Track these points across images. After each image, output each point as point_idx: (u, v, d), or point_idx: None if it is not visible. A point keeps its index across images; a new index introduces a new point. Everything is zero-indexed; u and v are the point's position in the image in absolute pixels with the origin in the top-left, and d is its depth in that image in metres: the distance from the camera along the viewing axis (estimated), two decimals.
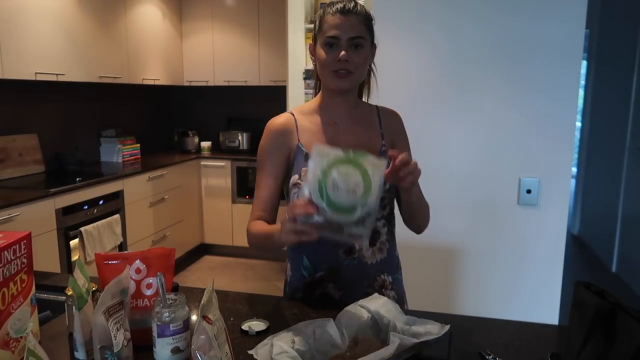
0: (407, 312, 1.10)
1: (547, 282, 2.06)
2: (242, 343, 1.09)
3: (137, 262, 1.08)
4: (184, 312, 1.00)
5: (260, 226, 1.26)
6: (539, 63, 1.96)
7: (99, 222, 3.16)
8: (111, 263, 1.06)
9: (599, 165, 4.81)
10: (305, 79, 3.29)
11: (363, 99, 1.41)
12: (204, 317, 0.86)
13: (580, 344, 0.80)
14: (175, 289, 1.13)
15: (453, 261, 2.15)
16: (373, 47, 1.29)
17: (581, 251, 4.85)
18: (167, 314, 0.98)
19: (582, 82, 5.25)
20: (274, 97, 4.60)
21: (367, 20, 1.25)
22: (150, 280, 1.08)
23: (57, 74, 3.16)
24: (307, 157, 1.28)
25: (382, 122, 1.36)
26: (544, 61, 1.95)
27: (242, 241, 4.37)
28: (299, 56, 3.14)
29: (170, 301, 1.02)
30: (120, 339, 0.94)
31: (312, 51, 1.29)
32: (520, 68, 1.97)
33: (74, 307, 0.98)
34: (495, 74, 2.00)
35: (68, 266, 2.95)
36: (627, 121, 4.07)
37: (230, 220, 4.55)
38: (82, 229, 3.00)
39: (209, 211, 4.62)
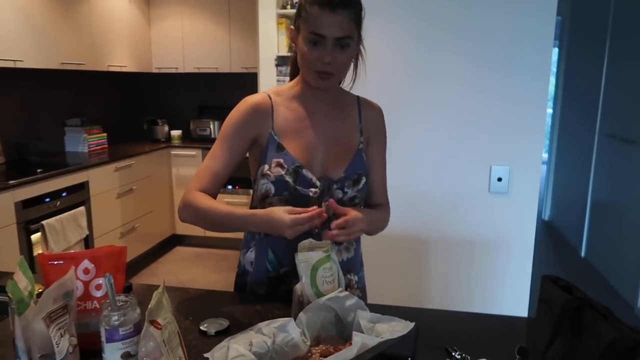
0: (372, 307, 1.06)
1: (517, 270, 2.05)
2: (200, 344, 1.04)
3: (85, 261, 1.01)
4: (134, 315, 0.94)
5: (216, 203, 1.19)
6: (510, 50, 1.93)
7: (62, 215, 3.04)
8: (56, 264, 0.99)
9: (569, 151, 4.87)
10: (277, 65, 3.21)
11: (348, 86, 1.34)
12: (152, 321, 0.80)
13: (547, 340, 0.78)
14: (128, 289, 1.06)
15: (421, 251, 2.13)
16: (360, 39, 1.21)
17: (551, 236, 4.93)
18: (117, 317, 0.92)
19: (554, 69, 5.29)
20: (245, 85, 4.48)
21: (357, 14, 1.16)
22: (100, 280, 1.01)
23: (14, 60, 3.01)
24: (279, 147, 1.22)
25: (362, 116, 1.31)
26: (515, 49, 1.92)
27: (214, 232, 4.29)
28: (270, 42, 3.06)
29: (121, 303, 0.96)
30: (64, 345, 0.88)
31: (293, 38, 1.21)
32: (491, 55, 1.94)
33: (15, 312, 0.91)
34: (466, 61, 1.97)
35: (30, 261, 2.83)
36: (597, 108, 4.11)
37: None
38: (44, 222, 2.89)
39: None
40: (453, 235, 2.08)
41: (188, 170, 4.44)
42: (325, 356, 0.93)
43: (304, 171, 1.22)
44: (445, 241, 2.09)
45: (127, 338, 0.92)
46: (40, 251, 2.88)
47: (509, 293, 2.07)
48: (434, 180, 2.06)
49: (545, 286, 0.85)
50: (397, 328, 0.93)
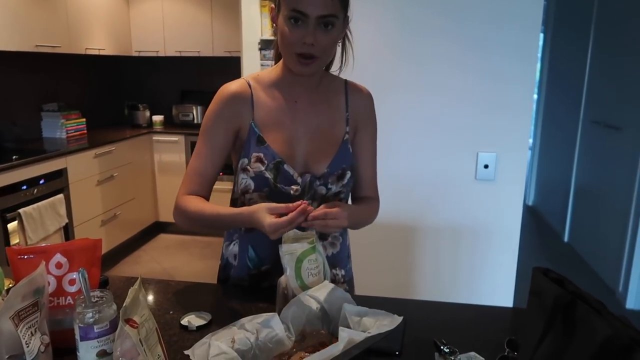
0: (358, 299, 1.03)
1: (503, 257, 2.05)
2: (181, 340, 1.00)
3: (58, 255, 0.96)
4: (110, 312, 0.89)
5: (205, 205, 1.14)
6: (497, 36, 1.90)
7: (40, 203, 2.96)
8: (26, 258, 0.94)
9: (553, 136, 4.90)
10: (261, 49, 3.13)
11: (335, 72, 1.25)
12: (127, 320, 0.76)
13: (539, 335, 0.75)
14: (104, 283, 1.02)
15: (408, 239, 2.11)
16: (346, 21, 1.12)
17: (535, 222, 4.97)
18: (91, 314, 0.87)
19: (538, 55, 5.28)
20: (228, 69, 4.41)
21: None
22: (73, 275, 0.97)
23: None
24: (259, 140, 1.16)
25: (349, 104, 1.22)
26: (502, 35, 1.89)
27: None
28: (253, 25, 2.97)
29: (96, 299, 0.91)
30: (35, 345, 0.83)
31: (274, 17, 1.12)
32: (478, 41, 1.91)
33: None
34: (452, 47, 1.93)
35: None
36: (582, 94, 4.12)
37: None
38: (20, 210, 2.80)
39: (163, 188, 4.44)
40: (439, 223, 2.07)
41: (170, 156, 4.36)
42: (310, 352, 0.90)
43: (285, 167, 1.16)
44: (432, 229, 2.08)
45: (102, 336, 0.88)
46: (17, 241, 2.81)
47: (495, 279, 2.07)
48: (420, 167, 2.04)
49: (536, 278, 0.82)
50: (385, 322, 0.90)
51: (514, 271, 2.05)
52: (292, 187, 1.17)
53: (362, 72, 2.02)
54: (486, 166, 1.99)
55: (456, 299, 2.13)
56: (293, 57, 1.09)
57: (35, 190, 2.96)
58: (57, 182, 3.16)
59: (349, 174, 1.21)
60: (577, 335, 0.70)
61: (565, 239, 4.37)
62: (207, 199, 1.20)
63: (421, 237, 2.10)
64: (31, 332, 0.83)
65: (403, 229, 2.10)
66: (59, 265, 0.95)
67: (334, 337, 0.95)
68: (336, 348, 0.82)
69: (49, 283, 0.94)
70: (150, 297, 1.18)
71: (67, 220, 3.21)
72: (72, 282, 0.96)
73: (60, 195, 3.16)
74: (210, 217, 1.13)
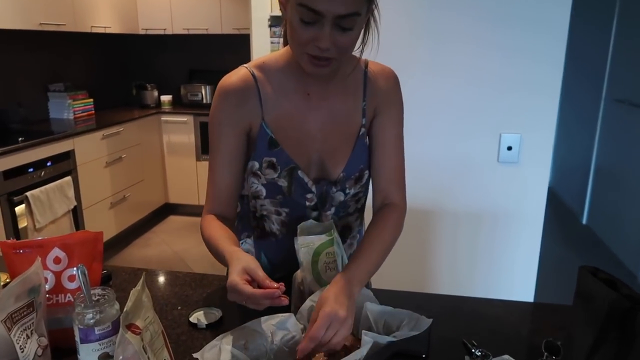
0: (377, 293, 0.95)
1: (525, 242, 1.96)
2: (190, 340, 0.93)
3: (55, 250, 0.88)
4: (113, 312, 0.82)
5: (215, 233, 0.98)
6: (522, 10, 1.77)
7: (47, 186, 2.91)
8: (22, 252, 0.87)
9: (573, 115, 4.74)
10: (270, 26, 3.01)
11: (356, 51, 1.04)
12: (129, 326, 0.69)
13: (590, 344, 0.67)
14: (107, 279, 0.95)
15: (425, 225, 2.02)
16: (370, 10, 0.92)
17: (552, 203, 4.85)
18: (91, 314, 0.80)
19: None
20: (237, 47, 4.30)
21: None
22: (73, 271, 0.89)
23: None
24: (272, 143, 1.02)
25: (367, 91, 1.06)
26: (528, 8, 1.76)
27: None
28: (263, 1, 2.85)
29: (97, 297, 0.84)
30: (30, 349, 0.77)
31: (283, 2, 0.91)
32: (501, 16, 1.78)
33: None
34: (473, 22, 1.80)
35: (15, 234, 2.71)
36: (605, 71, 3.95)
37: (195, 178, 4.33)
38: (28, 193, 2.75)
39: (172, 170, 4.38)
40: (459, 208, 1.97)
41: (180, 137, 4.28)
42: (330, 354, 0.83)
43: (299, 173, 1.03)
44: (451, 214, 1.99)
45: (104, 338, 0.81)
46: (25, 224, 2.76)
47: (516, 268, 1.98)
48: (439, 150, 1.94)
49: (584, 279, 0.73)
50: (411, 324, 0.82)
51: (537, 259, 1.96)
52: (307, 196, 1.06)
53: (380, 52, 1.91)
54: (509, 148, 1.89)
55: (474, 286, 2.07)
56: (304, 57, 0.91)
57: (43, 173, 2.91)
58: (64, 164, 3.10)
59: (367, 174, 1.08)
60: (638, 345, 0.62)
61: (584, 220, 4.26)
62: (232, 213, 1.09)
63: (439, 222, 2.01)
64: (27, 335, 0.76)
65: (420, 215, 2.01)
66: (57, 260, 0.88)
67: (354, 338, 0.87)
68: (359, 353, 0.74)
69: (46, 280, 0.87)
70: (157, 291, 1.11)
71: (75, 203, 3.16)
72: (71, 278, 0.89)
73: (68, 178, 3.10)
74: (211, 247, 0.98)
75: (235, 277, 0.80)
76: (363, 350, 0.74)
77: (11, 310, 0.74)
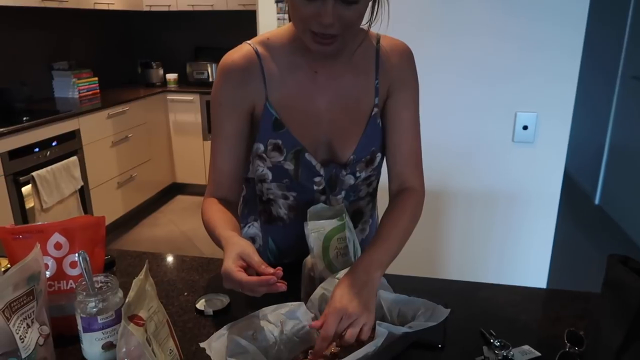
0: (390, 279, 0.91)
1: (540, 225, 1.90)
2: (196, 327, 0.90)
3: (56, 235, 0.85)
4: (116, 300, 0.79)
5: (213, 216, 0.95)
6: None
7: (53, 166, 2.88)
8: (22, 238, 0.84)
9: (587, 93, 4.62)
10: (277, 2, 2.93)
11: (364, 25, 0.95)
12: (131, 317, 0.65)
13: (621, 340, 0.63)
14: (110, 265, 0.91)
15: (436, 206, 1.97)
16: None
17: (564, 183, 4.77)
18: (94, 303, 0.78)
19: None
20: (244, 24, 4.20)
21: None
22: (75, 257, 0.86)
23: None
24: (277, 124, 0.97)
25: (380, 67, 0.99)
26: None
27: None
28: None
29: (100, 284, 0.81)
30: (31, 338, 0.74)
31: None
32: None
33: None
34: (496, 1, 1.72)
35: (22, 215, 2.70)
36: (622, 46, 3.83)
37: (202, 158, 4.29)
38: (34, 173, 2.73)
39: (179, 149, 4.34)
40: (471, 189, 1.92)
41: (186, 116, 4.23)
42: (342, 345, 0.79)
43: (307, 156, 0.99)
44: (463, 195, 1.93)
45: (108, 327, 0.79)
46: (32, 205, 2.75)
47: (530, 249, 1.93)
48: (452, 128, 1.87)
49: (614, 268, 0.69)
50: (428, 314, 0.78)
51: (551, 242, 1.91)
52: (315, 179, 1.01)
53: (392, 23, 1.84)
54: (525, 127, 1.82)
55: (485, 270, 2.03)
56: (307, 34, 0.86)
57: (48, 153, 2.88)
58: (70, 144, 3.07)
59: (379, 156, 1.03)
60: None
61: (597, 201, 4.19)
62: (236, 196, 1.05)
63: (451, 204, 1.96)
64: (27, 324, 0.73)
65: (431, 196, 1.94)
66: (58, 246, 0.85)
67: None
68: (374, 344, 0.70)
69: (47, 266, 0.84)
70: (163, 276, 1.08)
71: (82, 183, 3.14)
72: (73, 264, 0.86)
73: (74, 158, 3.07)
74: (210, 231, 0.95)
75: (230, 264, 0.77)
76: (377, 342, 0.70)
77: (10, 299, 0.71)
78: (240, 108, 0.98)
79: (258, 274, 0.76)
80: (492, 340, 0.83)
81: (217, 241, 0.90)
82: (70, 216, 3.05)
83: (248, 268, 0.77)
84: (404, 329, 0.73)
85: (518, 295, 1.01)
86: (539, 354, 0.81)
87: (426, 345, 0.83)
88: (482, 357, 0.81)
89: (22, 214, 2.70)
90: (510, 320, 0.92)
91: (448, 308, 0.79)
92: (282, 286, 0.75)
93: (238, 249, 0.79)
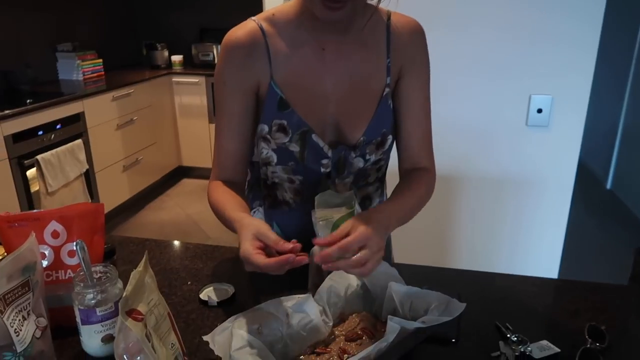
0: (400, 269, 0.87)
1: (553, 212, 1.85)
2: (200, 318, 0.87)
3: (53, 223, 0.82)
4: (115, 291, 0.76)
5: (222, 198, 0.92)
6: None
7: (58, 149, 2.85)
8: (17, 226, 0.80)
9: (602, 76, 4.51)
10: None
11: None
12: (129, 312, 0.62)
13: None
14: (110, 254, 0.88)
15: (446, 191, 1.92)
16: None
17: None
18: (92, 295, 0.74)
19: None
20: (250, 4, 4.11)
21: None
22: (73, 246, 0.83)
23: None
24: (282, 104, 0.92)
25: (392, 45, 0.95)
26: None
27: None
28: None
29: (99, 274, 0.78)
30: (27, 331, 0.71)
31: None
32: None
33: None
34: None
35: (27, 198, 2.69)
36: (637, 30, 3.71)
37: (208, 141, 4.25)
38: (38, 157, 2.70)
39: (185, 132, 4.30)
40: (483, 174, 1.87)
41: (191, 98, 4.18)
42: (351, 339, 0.76)
43: (313, 137, 0.95)
44: (473, 180, 1.88)
45: (107, 319, 0.76)
46: (37, 188, 2.73)
47: (542, 236, 1.89)
48: (463, 111, 1.81)
49: None
50: (442, 307, 0.74)
51: (564, 229, 1.86)
52: (322, 161, 0.97)
53: (409, 5, 1.76)
54: (539, 110, 1.76)
55: (495, 257, 1.98)
56: (316, 1, 0.82)
57: (53, 136, 2.85)
58: (74, 127, 3.04)
59: (390, 139, 0.99)
60: None
61: (608, 185, 4.12)
62: (242, 178, 1.02)
63: (460, 189, 1.92)
64: (23, 317, 0.70)
65: (441, 181, 1.87)
66: (55, 235, 0.82)
67: (378, 321, 0.80)
68: (385, 341, 0.67)
69: (44, 255, 0.81)
70: (166, 264, 1.05)
71: (87, 166, 3.12)
72: (71, 253, 0.82)
73: (79, 141, 3.04)
74: (218, 214, 0.93)
75: (248, 247, 0.74)
76: (389, 338, 0.67)
77: (3, 291, 0.67)
78: (245, 87, 0.94)
79: (277, 251, 0.74)
80: (508, 335, 0.79)
81: (229, 224, 0.87)
82: (76, 200, 3.04)
83: (266, 247, 0.75)
84: (417, 324, 0.69)
85: (535, 286, 0.97)
86: (558, 350, 0.77)
87: (439, 339, 0.79)
88: (499, 353, 0.77)
89: (28, 198, 2.69)
90: (527, 313, 0.88)
91: (462, 300, 0.75)
92: (304, 258, 0.72)
93: (252, 229, 0.77)
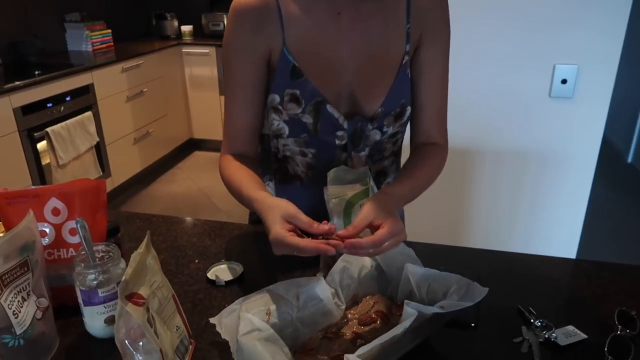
0: (412, 247, 0.83)
1: (573, 189, 1.79)
2: (207, 298, 0.84)
3: (53, 200, 0.78)
4: (118, 271, 0.73)
5: (236, 174, 0.88)
6: None
7: (68, 121, 2.82)
8: (16, 203, 0.77)
9: (627, 45, 4.33)
10: None
11: None
12: (129, 296, 0.58)
13: None
14: (114, 232, 0.85)
15: (463, 165, 1.85)
16: None
17: None
18: (94, 275, 0.71)
19: None
20: None
21: None
22: (74, 223, 0.79)
23: None
24: (295, 72, 0.87)
25: (412, 11, 0.89)
26: None
27: None
28: None
29: (102, 253, 0.75)
30: (27, 312, 0.68)
31: None
32: None
33: None
34: None
35: (39, 171, 2.68)
36: None
37: (219, 113, 4.20)
38: (48, 129, 2.68)
39: (196, 104, 4.25)
40: (503, 147, 1.80)
41: (202, 70, 4.11)
42: (365, 323, 0.72)
43: (328, 107, 0.90)
44: (493, 154, 1.81)
45: (110, 300, 0.73)
46: (48, 161, 2.72)
47: (563, 213, 1.82)
48: (482, 81, 1.73)
49: None
50: (462, 291, 0.70)
51: (584, 208, 1.79)
52: (337, 133, 0.92)
53: None
54: (564, 81, 1.67)
55: (514, 235, 1.92)
56: None
57: (62, 108, 2.81)
58: (84, 99, 3.00)
59: (409, 110, 0.94)
60: None
61: (629, 159, 4.00)
62: (254, 151, 0.97)
63: (478, 163, 1.85)
64: (22, 298, 0.67)
65: (458, 154, 1.84)
66: (55, 212, 0.78)
67: (393, 304, 0.76)
68: (402, 327, 0.63)
69: (45, 233, 0.78)
70: (173, 241, 1.02)
71: (98, 139, 3.09)
72: (73, 231, 0.79)
73: (89, 113, 3.01)
74: (234, 191, 0.88)
75: (279, 230, 0.69)
76: (406, 324, 0.62)
77: (0, 272, 0.64)
78: (256, 54, 0.88)
79: (311, 232, 0.70)
80: (532, 320, 0.75)
81: (246, 201, 0.83)
82: (88, 173, 3.03)
83: (295, 229, 0.71)
84: (435, 309, 0.65)
85: (559, 267, 0.92)
86: (585, 336, 0.72)
87: (458, 324, 0.75)
88: (521, 339, 0.73)
89: (39, 171, 2.68)
90: (552, 296, 0.83)
91: (482, 283, 0.70)
92: (340, 244, 0.68)
93: (280, 210, 0.72)
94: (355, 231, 0.70)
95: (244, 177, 0.87)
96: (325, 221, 0.72)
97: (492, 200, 1.88)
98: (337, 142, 0.94)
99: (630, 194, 3.51)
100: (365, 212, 0.72)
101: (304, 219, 0.71)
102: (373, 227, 0.72)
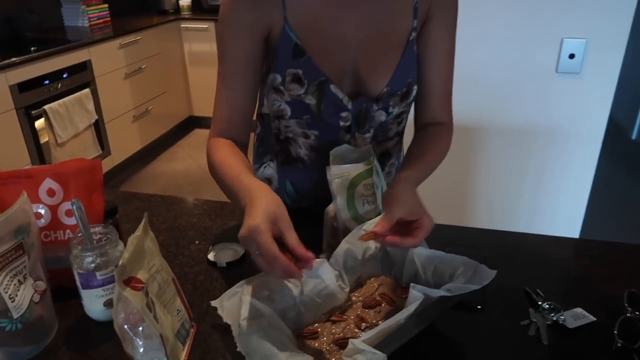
0: None
1: (578, 166, 1.76)
2: (208, 280, 0.83)
3: (48, 180, 0.76)
4: (116, 254, 0.71)
5: (229, 160, 0.81)
6: None
7: (65, 99, 2.78)
8: (9, 184, 0.74)
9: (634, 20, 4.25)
10: None
11: None
12: (127, 281, 0.57)
13: None
14: (112, 213, 0.82)
15: (468, 141, 1.82)
16: None
17: None
18: (91, 258, 0.69)
19: None
20: None
21: None
22: (70, 205, 0.77)
23: None
24: (297, 51, 0.83)
25: None
26: None
27: None
28: None
29: (99, 235, 0.73)
30: (24, 296, 0.66)
31: None
32: None
33: None
34: None
35: (37, 149, 2.65)
36: None
37: None
38: (46, 107, 2.64)
39: (196, 81, 4.19)
40: (508, 124, 1.77)
41: (201, 46, 4.04)
42: (370, 306, 0.71)
43: (332, 87, 0.86)
44: (498, 130, 1.78)
45: (108, 283, 0.71)
46: (46, 139, 2.68)
47: (567, 191, 1.80)
48: (488, 56, 1.69)
49: None
50: (467, 274, 0.68)
51: (589, 185, 1.77)
52: (341, 114, 0.89)
53: None
54: (572, 56, 1.63)
55: (518, 212, 1.90)
56: None
57: (60, 85, 2.77)
58: (81, 76, 2.95)
59: (415, 89, 0.90)
60: None
61: (633, 136, 3.96)
62: (246, 138, 0.91)
63: (483, 140, 1.82)
64: (18, 281, 0.66)
65: (462, 131, 1.80)
66: (50, 193, 0.76)
67: (398, 286, 0.74)
68: (407, 312, 0.61)
69: (40, 215, 0.76)
70: (172, 222, 1.00)
71: (96, 117, 3.05)
72: (69, 213, 0.77)
73: (87, 90, 2.97)
74: (221, 177, 0.81)
75: (261, 224, 0.61)
76: (411, 308, 0.61)
77: None
78: (254, 31, 0.84)
79: (292, 252, 0.63)
80: (539, 302, 0.74)
81: (233, 188, 0.74)
82: (87, 151, 3.01)
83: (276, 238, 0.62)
84: (442, 292, 0.64)
85: (567, 248, 0.90)
86: (594, 319, 0.71)
87: (464, 306, 0.74)
88: (528, 321, 0.72)
89: (38, 149, 2.65)
90: (559, 277, 0.82)
91: (489, 265, 0.68)
92: (301, 275, 0.62)
93: (269, 206, 0.64)
94: (390, 226, 0.69)
95: (237, 162, 0.80)
96: (309, 250, 0.63)
97: (496, 178, 1.86)
98: (342, 123, 0.91)
99: (634, 171, 3.48)
100: (396, 206, 0.71)
101: (292, 237, 0.63)
102: (404, 222, 0.70)
